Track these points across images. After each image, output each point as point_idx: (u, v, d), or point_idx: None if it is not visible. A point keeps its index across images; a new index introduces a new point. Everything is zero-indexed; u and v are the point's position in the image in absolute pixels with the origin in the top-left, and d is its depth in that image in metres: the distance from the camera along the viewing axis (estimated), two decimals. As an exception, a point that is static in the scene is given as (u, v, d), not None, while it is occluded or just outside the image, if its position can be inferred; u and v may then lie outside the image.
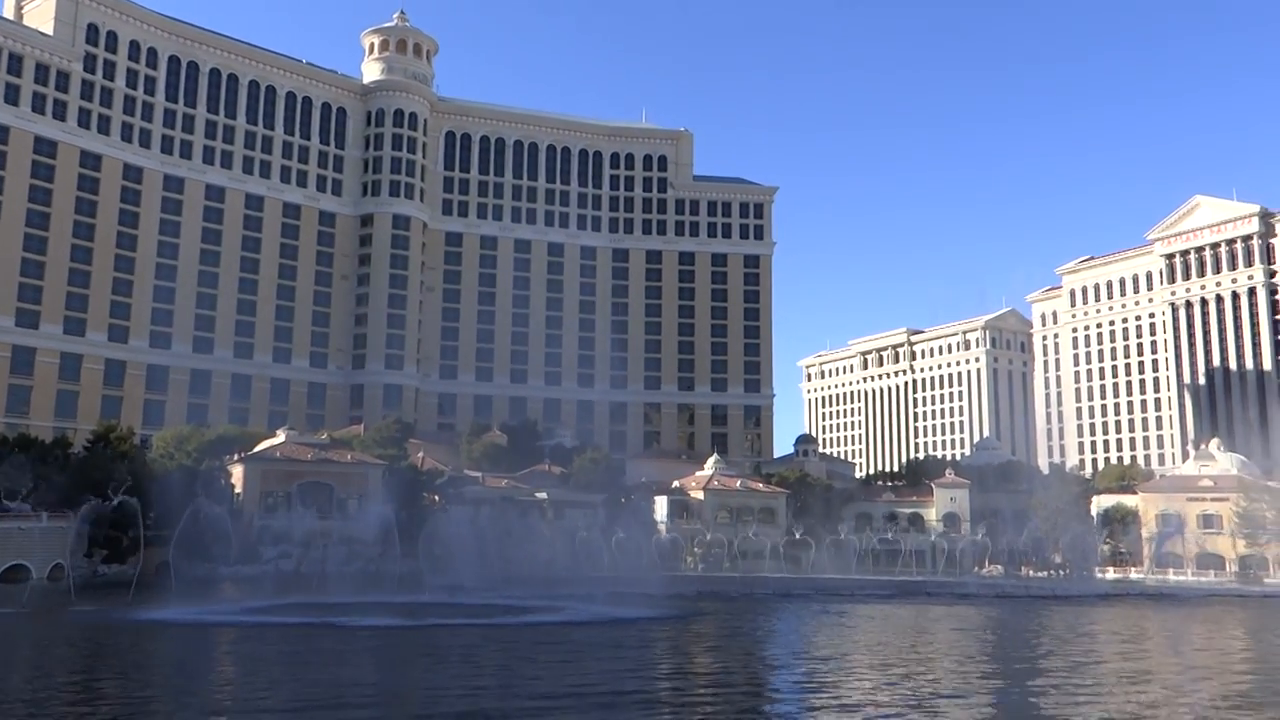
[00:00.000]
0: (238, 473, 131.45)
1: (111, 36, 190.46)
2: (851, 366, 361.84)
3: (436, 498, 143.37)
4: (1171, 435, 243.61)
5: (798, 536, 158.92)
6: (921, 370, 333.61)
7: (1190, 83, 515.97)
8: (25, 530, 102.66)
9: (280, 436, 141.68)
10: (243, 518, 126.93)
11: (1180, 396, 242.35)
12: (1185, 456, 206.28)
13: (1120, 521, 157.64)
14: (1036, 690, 38.43)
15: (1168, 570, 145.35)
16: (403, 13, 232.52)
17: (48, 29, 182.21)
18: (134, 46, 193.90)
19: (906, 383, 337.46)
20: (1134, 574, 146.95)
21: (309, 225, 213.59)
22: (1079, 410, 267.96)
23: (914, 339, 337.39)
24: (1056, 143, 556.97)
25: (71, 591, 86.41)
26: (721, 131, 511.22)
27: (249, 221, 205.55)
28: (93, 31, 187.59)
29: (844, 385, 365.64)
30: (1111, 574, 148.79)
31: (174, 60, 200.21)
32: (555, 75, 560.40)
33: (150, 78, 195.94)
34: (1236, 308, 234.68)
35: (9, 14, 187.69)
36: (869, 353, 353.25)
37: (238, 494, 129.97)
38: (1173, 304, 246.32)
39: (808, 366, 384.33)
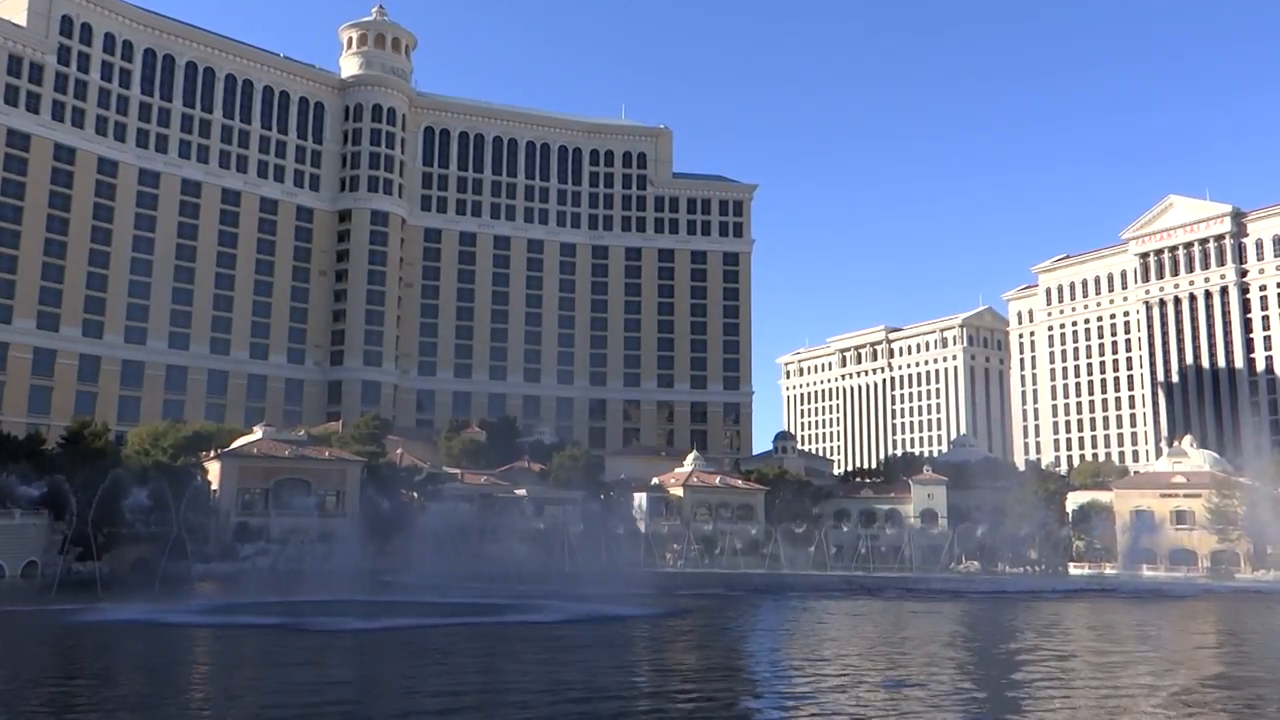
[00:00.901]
0: (215, 469, 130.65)
1: (86, 29, 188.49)
2: (830, 364, 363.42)
3: (415, 495, 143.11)
4: (1145, 432, 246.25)
5: (775, 533, 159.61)
6: (899, 368, 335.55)
7: (1165, 85, 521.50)
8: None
9: (257, 433, 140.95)
10: (219, 515, 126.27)
11: (1154, 394, 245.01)
12: (1158, 453, 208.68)
13: (1095, 518, 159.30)
14: (1017, 689, 38.85)
15: (1140, 566, 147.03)
16: (381, 7, 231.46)
17: (20, 20, 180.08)
18: (109, 39, 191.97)
19: (884, 380, 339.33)
20: (1108, 570, 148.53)
21: (286, 220, 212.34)
22: (1054, 407, 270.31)
23: (892, 337, 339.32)
24: (1033, 144, 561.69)
25: (54, 588, 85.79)
26: (701, 129, 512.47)
27: (225, 216, 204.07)
28: (67, 23, 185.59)
29: (822, 382, 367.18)
30: (1086, 570, 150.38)
31: (149, 53, 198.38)
32: (535, 71, 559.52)
33: (125, 70, 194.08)
34: (1209, 306, 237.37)
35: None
36: (847, 350, 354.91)
37: (214, 491, 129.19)
38: (1146, 302, 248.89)
39: (786, 364, 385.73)
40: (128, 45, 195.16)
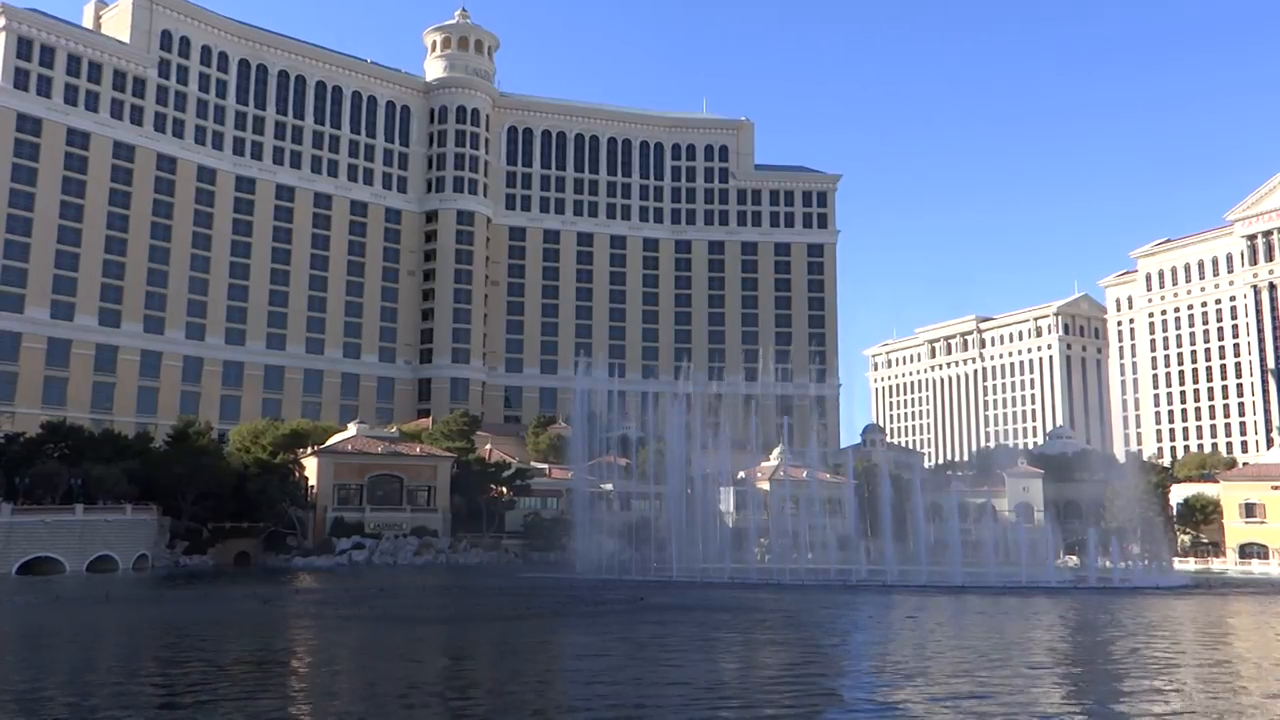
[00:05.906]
0: (311, 465, 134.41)
1: (184, 42, 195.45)
2: (919, 355, 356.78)
3: (504, 490, 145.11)
4: (1254, 422, 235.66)
5: (866, 527, 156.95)
6: (991, 358, 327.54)
7: (1267, 58, 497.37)
8: (111, 523, 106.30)
9: (351, 430, 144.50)
10: (317, 509, 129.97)
11: (1263, 382, 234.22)
12: (1269, 444, 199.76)
13: (1201, 511, 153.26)
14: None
15: (1250, 561, 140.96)
16: (464, 10, 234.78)
17: (124, 37, 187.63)
18: (205, 51, 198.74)
19: (976, 371, 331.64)
20: (1215, 565, 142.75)
21: (376, 222, 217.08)
22: (1156, 397, 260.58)
23: (983, 326, 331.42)
24: (1127, 128, 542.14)
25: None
26: (784, 121, 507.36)
27: (318, 220, 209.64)
28: (166, 38, 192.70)
29: (912, 374, 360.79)
30: (1192, 565, 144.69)
31: (244, 63, 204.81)
32: (615, 68, 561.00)
33: (221, 81, 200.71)
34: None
35: (88, 23, 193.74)
36: (937, 341, 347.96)
37: (311, 486, 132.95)
38: (1255, 286, 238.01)
39: (874, 355, 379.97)
40: (223, 57, 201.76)
